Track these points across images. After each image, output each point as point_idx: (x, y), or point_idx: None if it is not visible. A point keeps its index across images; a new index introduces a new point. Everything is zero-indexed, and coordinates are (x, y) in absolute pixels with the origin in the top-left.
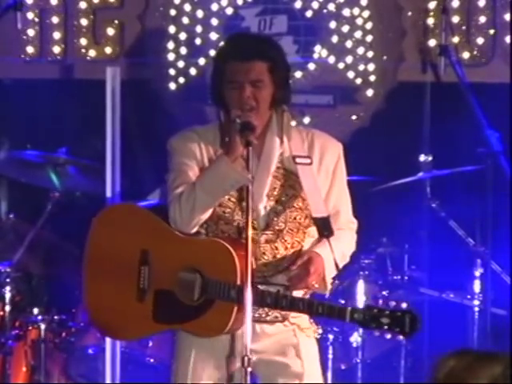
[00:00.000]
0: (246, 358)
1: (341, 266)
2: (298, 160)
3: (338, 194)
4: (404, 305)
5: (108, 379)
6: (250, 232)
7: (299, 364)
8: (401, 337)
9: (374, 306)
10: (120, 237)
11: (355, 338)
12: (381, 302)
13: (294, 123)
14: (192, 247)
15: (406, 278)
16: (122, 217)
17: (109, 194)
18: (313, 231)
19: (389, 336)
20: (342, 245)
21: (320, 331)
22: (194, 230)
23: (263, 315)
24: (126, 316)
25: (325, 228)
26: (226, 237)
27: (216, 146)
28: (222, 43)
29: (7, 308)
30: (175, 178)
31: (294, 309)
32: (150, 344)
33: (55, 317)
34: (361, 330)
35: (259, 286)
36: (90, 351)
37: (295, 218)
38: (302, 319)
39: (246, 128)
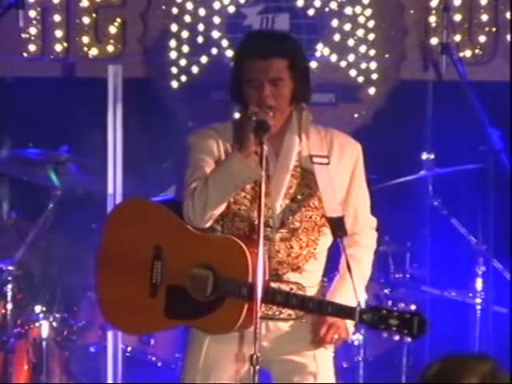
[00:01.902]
0: (254, 357)
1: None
2: (315, 159)
3: (357, 195)
4: (413, 307)
5: (110, 378)
6: (262, 229)
7: (315, 365)
8: (408, 339)
9: (383, 307)
10: (133, 232)
11: (357, 337)
12: (390, 303)
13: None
14: (205, 244)
15: (408, 276)
16: (135, 212)
17: (110, 192)
18: (327, 230)
19: (397, 337)
20: (363, 268)
21: None
22: (207, 225)
23: (276, 313)
24: (137, 311)
25: (338, 228)
26: (240, 234)
27: (234, 143)
28: (241, 41)
29: (9, 306)
30: (191, 173)
31: (304, 308)
32: (152, 342)
33: (57, 315)
34: (363, 329)
35: (272, 284)
36: (92, 349)
37: (311, 217)
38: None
39: (261, 127)
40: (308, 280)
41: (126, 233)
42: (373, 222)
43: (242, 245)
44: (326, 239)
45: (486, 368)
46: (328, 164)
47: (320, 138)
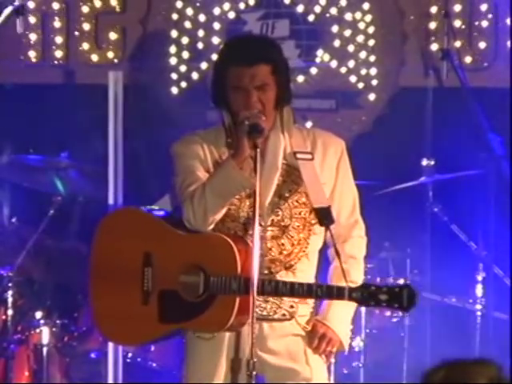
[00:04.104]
0: (250, 362)
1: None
2: (299, 155)
3: (340, 191)
4: (401, 281)
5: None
6: (257, 234)
7: (308, 371)
8: (400, 313)
9: (371, 283)
10: (123, 241)
11: (357, 343)
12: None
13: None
14: (193, 244)
15: (408, 282)
16: (124, 221)
17: (111, 198)
18: (318, 229)
19: (388, 313)
20: (352, 282)
21: None
22: (210, 227)
23: (271, 313)
24: (132, 320)
25: (325, 217)
26: (229, 233)
27: (219, 148)
28: (221, 46)
29: (9, 312)
30: (184, 179)
31: (295, 294)
32: (153, 348)
33: (57, 321)
34: (363, 335)
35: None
36: (92, 355)
37: (300, 214)
38: (310, 319)
39: (255, 130)
40: (300, 279)
41: (116, 242)
42: (360, 228)
43: (230, 241)
44: (317, 239)
45: (492, 371)
46: (312, 160)
47: (303, 136)
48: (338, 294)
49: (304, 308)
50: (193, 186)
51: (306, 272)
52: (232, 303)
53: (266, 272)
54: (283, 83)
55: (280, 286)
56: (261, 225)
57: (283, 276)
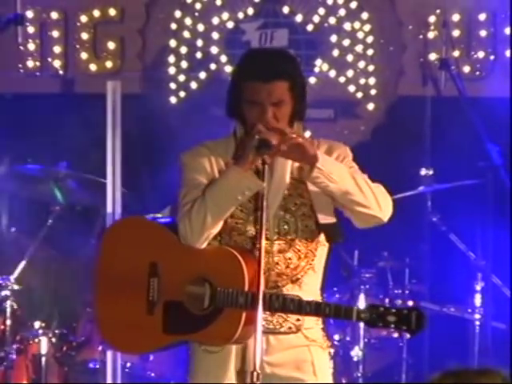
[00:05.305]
0: (255, 374)
1: (344, 182)
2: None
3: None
4: (410, 303)
5: None
6: (264, 242)
7: (315, 381)
8: (408, 335)
9: (380, 304)
10: (129, 250)
11: (356, 352)
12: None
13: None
14: (200, 256)
15: (407, 291)
16: (130, 230)
17: (109, 208)
18: (324, 241)
19: (396, 334)
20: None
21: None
22: (204, 245)
23: (277, 327)
24: (136, 329)
25: (333, 234)
26: (235, 245)
27: (227, 160)
28: (239, 59)
29: (8, 322)
30: (186, 194)
31: (302, 312)
32: (151, 358)
33: (56, 331)
34: (362, 344)
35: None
36: (91, 365)
37: (306, 227)
38: (316, 331)
39: (264, 146)
40: (306, 293)
41: (121, 251)
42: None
43: (237, 254)
44: (324, 250)
45: (498, 378)
46: None
47: None
48: (345, 313)
49: (310, 321)
50: (192, 203)
51: (311, 285)
52: (238, 317)
53: (272, 286)
54: (299, 99)
55: (288, 303)
56: (268, 239)
57: (290, 290)
